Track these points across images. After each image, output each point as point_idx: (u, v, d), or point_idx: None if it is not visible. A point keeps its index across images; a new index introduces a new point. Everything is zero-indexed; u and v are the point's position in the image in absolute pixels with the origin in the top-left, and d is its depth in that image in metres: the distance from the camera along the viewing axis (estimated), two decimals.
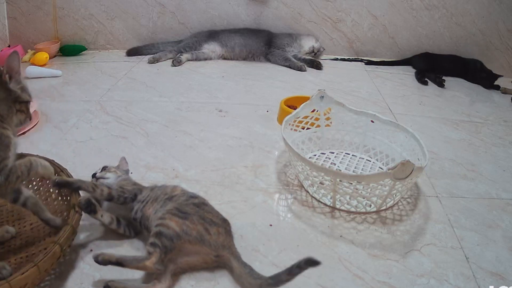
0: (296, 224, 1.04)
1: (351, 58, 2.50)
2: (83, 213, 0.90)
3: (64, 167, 1.03)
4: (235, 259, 0.85)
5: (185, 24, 2.49)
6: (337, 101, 1.34)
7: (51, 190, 1.04)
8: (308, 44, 2.38)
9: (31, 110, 0.91)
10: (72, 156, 1.31)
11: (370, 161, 1.32)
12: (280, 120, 1.53)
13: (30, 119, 0.89)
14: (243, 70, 2.21)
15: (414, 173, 0.97)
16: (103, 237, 0.96)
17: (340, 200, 1.08)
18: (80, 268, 0.87)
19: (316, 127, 1.36)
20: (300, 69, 2.23)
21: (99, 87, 1.90)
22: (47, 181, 1.05)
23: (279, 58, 2.31)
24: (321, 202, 1.12)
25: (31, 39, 2.39)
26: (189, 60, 2.31)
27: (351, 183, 1.06)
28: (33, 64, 2.11)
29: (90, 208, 0.90)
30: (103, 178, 1.03)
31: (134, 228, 0.96)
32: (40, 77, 1.99)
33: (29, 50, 2.28)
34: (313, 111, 1.35)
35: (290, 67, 2.27)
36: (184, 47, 2.33)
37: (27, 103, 0.86)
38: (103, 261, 0.80)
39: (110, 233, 0.97)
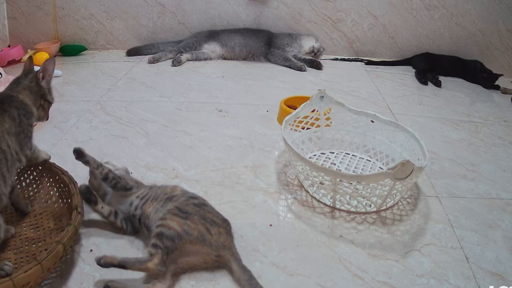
0: (296, 224, 1.04)
1: (351, 58, 2.50)
2: (84, 213, 0.90)
3: (64, 167, 1.04)
4: (235, 262, 0.85)
5: (185, 24, 2.49)
6: (337, 101, 1.34)
7: (51, 193, 1.05)
8: (308, 44, 2.38)
9: None
10: (72, 156, 1.29)
11: (370, 161, 1.32)
12: (280, 120, 1.53)
13: (47, 119, 1.02)
14: (243, 70, 2.21)
15: (414, 173, 0.97)
16: (103, 237, 0.96)
17: (340, 200, 1.08)
18: (80, 268, 0.87)
19: (316, 127, 1.36)
20: (300, 69, 2.23)
21: (99, 87, 1.90)
22: (47, 184, 1.06)
23: (279, 58, 2.31)
24: (321, 202, 1.12)
25: (31, 39, 2.39)
26: (189, 60, 2.31)
27: (351, 183, 1.06)
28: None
29: (89, 194, 0.96)
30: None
31: (132, 224, 0.97)
32: None
33: (29, 50, 2.28)
34: (313, 111, 1.35)
35: (290, 67, 2.27)
36: (184, 47, 2.33)
37: (49, 103, 1.00)
38: (105, 264, 0.80)
39: (110, 233, 0.97)
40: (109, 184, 0.99)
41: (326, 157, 1.34)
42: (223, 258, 0.86)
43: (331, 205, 1.10)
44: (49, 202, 1.03)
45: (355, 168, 1.29)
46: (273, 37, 2.38)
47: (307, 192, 1.16)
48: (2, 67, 1.98)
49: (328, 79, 2.14)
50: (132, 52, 2.41)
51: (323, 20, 2.46)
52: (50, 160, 1.05)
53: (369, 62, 2.42)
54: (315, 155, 1.35)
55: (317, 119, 1.35)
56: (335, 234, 1.01)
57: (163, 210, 0.89)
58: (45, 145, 1.35)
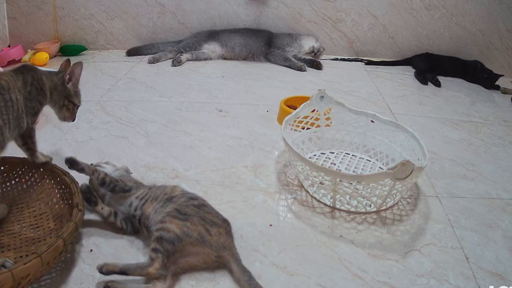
0: (296, 224, 1.04)
1: (351, 58, 2.50)
2: (85, 212, 0.91)
3: (64, 167, 1.04)
4: (235, 262, 0.85)
5: (185, 24, 2.49)
6: (337, 101, 1.34)
7: (52, 194, 1.04)
8: (308, 44, 2.38)
9: None
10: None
11: (370, 161, 1.32)
12: (280, 120, 1.53)
13: (73, 120, 1.08)
14: (243, 70, 2.21)
15: (414, 173, 0.97)
16: (103, 237, 0.96)
17: (340, 200, 1.08)
18: (80, 268, 0.87)
19: (316, 127, 1.36)
20: (300, 69, 2.23)
21: (99, 87, 1.90)
22: (49, 186, 1.06)
23: (279, 58, 2.31)
24: (321, 202, 1.12)
25: (31, 39, 2.39)
26: (189, 60, 2.31)
27: (351, 183, 1.06)
28: (33, 64, 2.11)
29: (89, 194, 0.96)
30: (100, 166, 1.07)
31: (132, 224, 0.97)
32: None
33: (29, 50, 2.28)
34: (313, 111, 1.35)
35: (290, 67, 2.27)
36: (184, 47, 2.33)
37: (75, 105, 1.06)
38: (107, 271, 0.80)
39: (110, 233, 0.97)
40: (107, 188, 0.99)
41: (326, 157, 1.34)
42: (223, 259, 0.86)
43: (331, 205, 1.10)
44: (49, 203, 1.03)
45: (355, 168, 1.29)
46: (273, 37, 2.38)
47: (307, 192, 1.16)
48: (2, 67, 1.99)
49: (328, 79, 2.14)
50: (132, 52, 2.41)
51: (323, 20, 2.46)
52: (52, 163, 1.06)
53: (369, 62, 2.42)
54: (315, 155, 1.35)
55: (317, 119, 1.35)
56: (335, 234, 1.01)
57: (162, 211, 0.89)
58: (45, 145, 1.35)
